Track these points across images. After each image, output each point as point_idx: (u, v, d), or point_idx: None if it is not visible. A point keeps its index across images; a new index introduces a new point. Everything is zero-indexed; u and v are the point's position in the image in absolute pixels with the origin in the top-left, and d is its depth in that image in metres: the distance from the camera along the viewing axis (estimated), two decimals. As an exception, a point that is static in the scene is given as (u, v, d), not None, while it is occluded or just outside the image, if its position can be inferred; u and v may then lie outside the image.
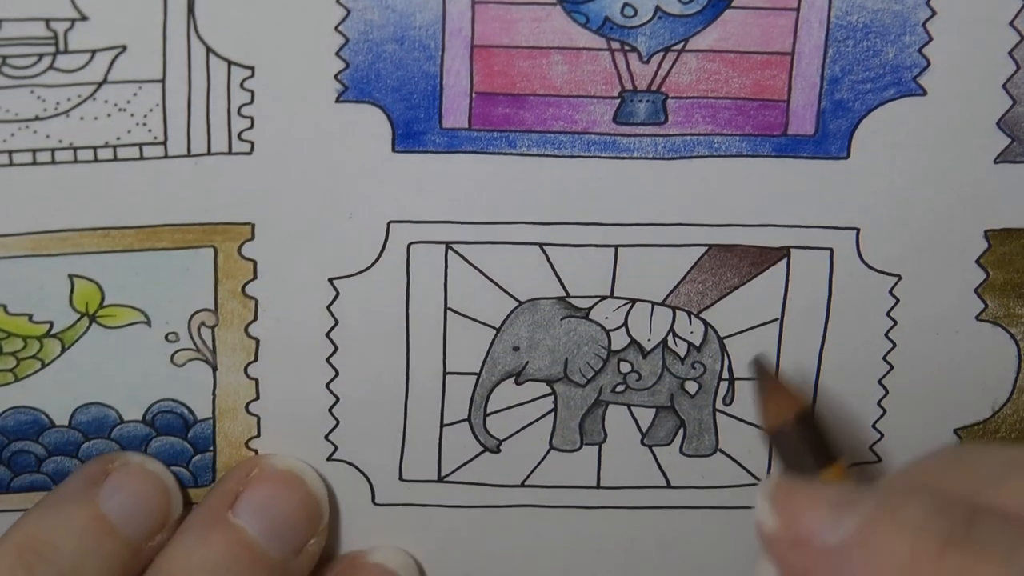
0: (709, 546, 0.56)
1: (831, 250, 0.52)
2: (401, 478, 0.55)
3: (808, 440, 0.44)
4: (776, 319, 0.53)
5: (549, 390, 0.54)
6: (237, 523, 0.52)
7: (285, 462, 0.53)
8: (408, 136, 0.49)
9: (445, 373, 0.53)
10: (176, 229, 0.50)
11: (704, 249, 0.52)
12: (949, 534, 0.35)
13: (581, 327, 0.53)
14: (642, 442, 0.55)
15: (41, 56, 0.46)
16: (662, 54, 0.49)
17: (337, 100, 0.48)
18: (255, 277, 0.51)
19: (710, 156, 0.50)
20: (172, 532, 0.52)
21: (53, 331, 0.51)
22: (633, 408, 0.54)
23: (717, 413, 0.54)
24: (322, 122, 0.49)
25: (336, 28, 0.47)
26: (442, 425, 0.54)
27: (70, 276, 0.50)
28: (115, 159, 0.48)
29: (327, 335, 0.52)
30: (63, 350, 0.51)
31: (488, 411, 0.54)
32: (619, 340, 0.53)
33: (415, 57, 0.48)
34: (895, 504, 0.36)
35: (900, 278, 0.52)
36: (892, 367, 0.53)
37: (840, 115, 0.50)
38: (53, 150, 0.48)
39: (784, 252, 0.52)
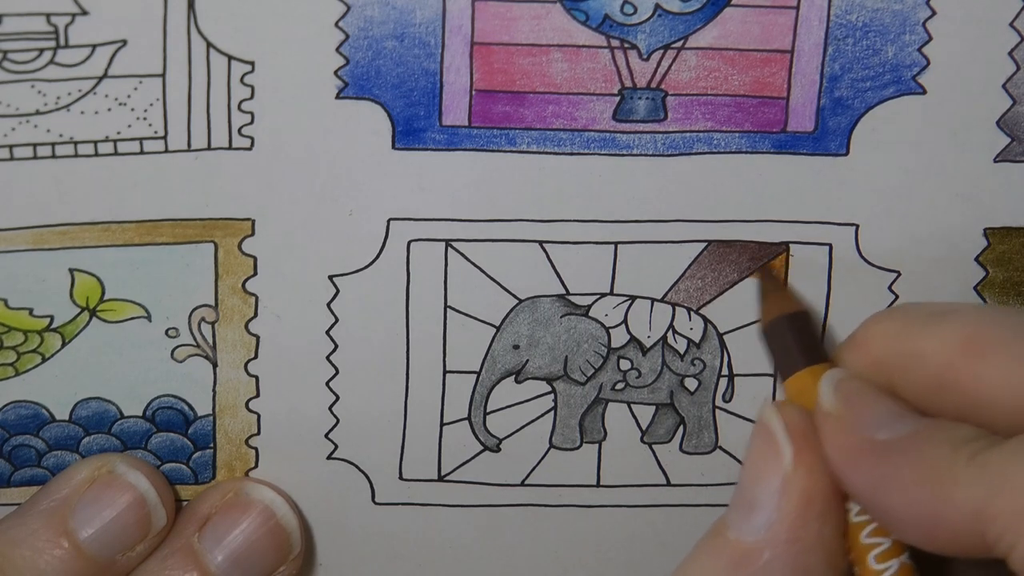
0: (709, 544, 0.56)
1: (830, 246, 0.52)
2: (401, 477, 0.55)
3: (799, 337, 0.47)
4: (776, 315, 0.53)
5: (549, 388, 0.54)
6: (199, 549, 0.52)
7: (259, 491, 0.53)
8: (408, 133, 0.49)
9: (445, 371, 0.53)
10: (176, 224, 0.50)
11: (704, 245, 0.52)
12: (981, 446, 0.41)
13: (581, 325, 0.53)
14: (642, 440, 0.55)
15: (42, 51, 0.47)
16: (662, 51, 0.49)
17: (337, 96, 0.48)
18: (255, 273, 0.51)
19: (710, 153, 0.50)
20: (157, 541, 0.52)
21: (53, 325, 0.51)
22: (633, 406, 0.54)
23: (717, 410, 0.54)
24: (322, 118, 0.49)
25: (336, 24, 0.47)
26: (442, 424, 0.54)
27: (71, 270, 0.50)
28: (115, 153, 0.48)
29: (327, 333, 0.52)
30: (64, 344, 0.51)
31: (488, 410, 0.54)
32: (619, 337, 0.53)
33: (415, 54, 0.48)
34: (944, 423, 0.42)
35: (899, 274, 0.52)
36: (891, 363, 0.53)
37: (839, 112, 0.50)
38: (54, 144, 0.48)
39: (783, 248, 0.52)
